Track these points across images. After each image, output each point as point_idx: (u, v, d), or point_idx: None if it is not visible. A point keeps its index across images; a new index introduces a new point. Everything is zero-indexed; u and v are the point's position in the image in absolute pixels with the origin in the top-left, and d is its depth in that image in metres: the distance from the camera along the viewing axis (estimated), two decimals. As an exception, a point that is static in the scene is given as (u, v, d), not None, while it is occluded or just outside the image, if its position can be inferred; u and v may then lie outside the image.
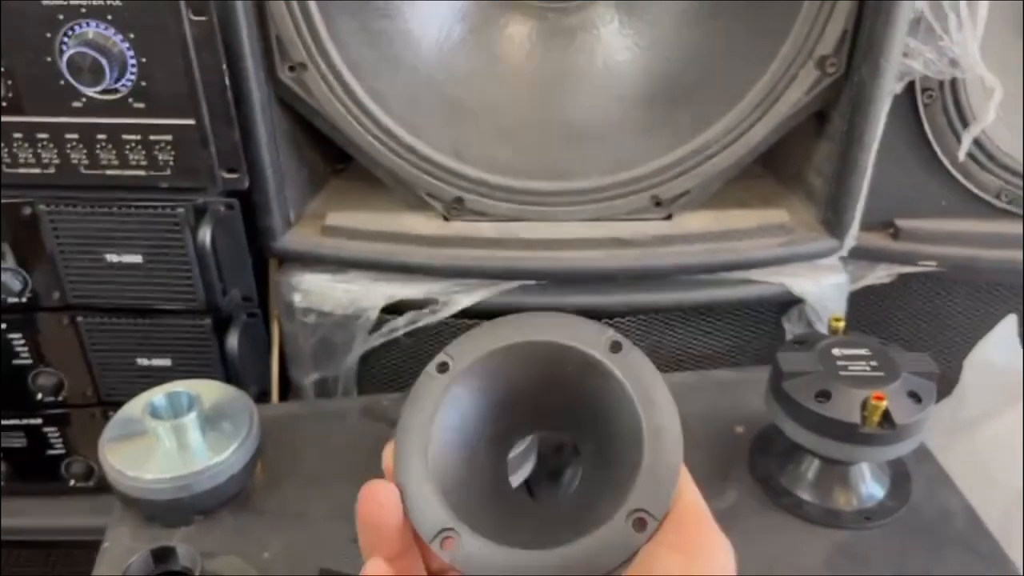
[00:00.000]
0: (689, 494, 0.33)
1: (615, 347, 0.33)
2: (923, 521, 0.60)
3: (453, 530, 0.32)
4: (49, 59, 0.63)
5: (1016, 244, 0.79)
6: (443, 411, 0.34)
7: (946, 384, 0.83)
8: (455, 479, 0.34)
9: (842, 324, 0.62)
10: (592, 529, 0.31)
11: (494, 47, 0.76)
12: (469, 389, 0.35)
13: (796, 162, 0.80)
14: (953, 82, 0.73)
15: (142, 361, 0.78)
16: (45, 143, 0.67)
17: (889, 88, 0.69)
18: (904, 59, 0.69)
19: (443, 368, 0.35)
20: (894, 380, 0.57)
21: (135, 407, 0.61)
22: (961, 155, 0.75)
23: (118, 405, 0.79)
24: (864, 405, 0.55)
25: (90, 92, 0.65)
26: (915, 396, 0.56)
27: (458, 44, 0.75)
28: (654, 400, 0.33)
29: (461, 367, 0.34)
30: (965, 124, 0.75)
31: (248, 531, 0.59)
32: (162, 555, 0.51)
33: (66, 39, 0.63)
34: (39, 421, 0.83)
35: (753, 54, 0.70)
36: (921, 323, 0.86)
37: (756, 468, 0.64)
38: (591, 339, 0.34)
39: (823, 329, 0.78)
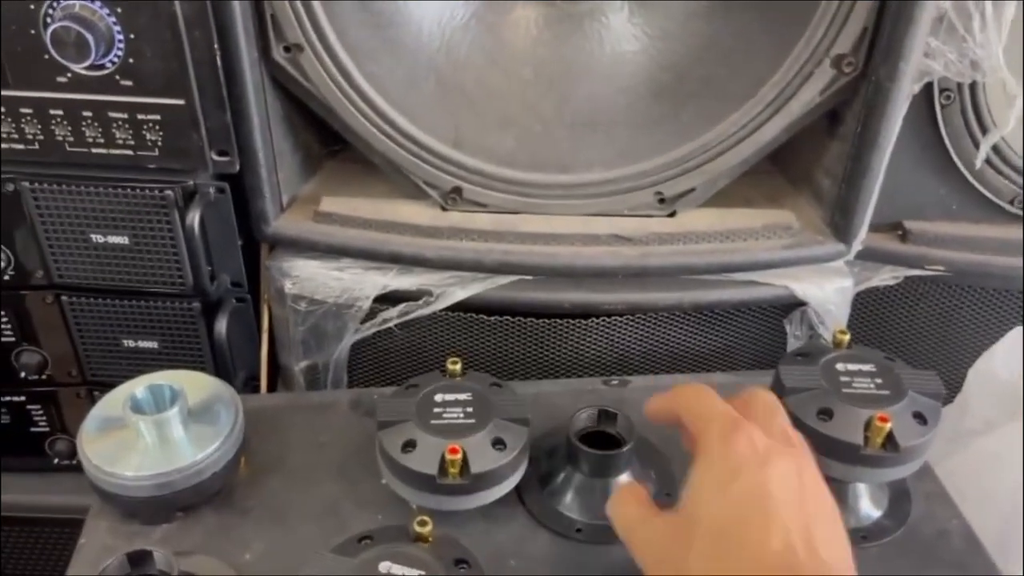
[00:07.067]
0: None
1: None
2: (920, 541, 0.59)
3: None
4: (33, 32, 0.61)
5: (1027, 252, 0.77)
6: None
7: (950, 391, 0.82)
8: None
9: (847, 337, 0.60)
10: None
11: (498, 32, 0.73)
12: None
13: (805, 161, 0.77)
14: (972, 84, 0.70)
15: (128, 343, 0.77)
16: (28, 118, 0.65)
17: (907, 90, 0.67)
18: (924, 59, 0.67)
19: None
20: (899, 400, 0.55)
21: (116, 399, 0.59)
22: (978, 162, 0.73)
23: (103, 385, 0.78)
24: (867, 425, 0.53)
25: (75, 67, 0.62)
26: (920, 417, 0.55)
27: (461, 28, 0.72)
28: None
29: None
30: (982, 126, 0.72)
31: (230, 530, 0.58)
32: (138, 559, 0.49)
33: (51, 12, 0.60)
34: (23, 399, 0.81)
35: (767, 50, 0.67)
36: (926, 328, 0.84)
37: (752, 480, 0.62)
38: None
39: (826, 333, 0.76)
